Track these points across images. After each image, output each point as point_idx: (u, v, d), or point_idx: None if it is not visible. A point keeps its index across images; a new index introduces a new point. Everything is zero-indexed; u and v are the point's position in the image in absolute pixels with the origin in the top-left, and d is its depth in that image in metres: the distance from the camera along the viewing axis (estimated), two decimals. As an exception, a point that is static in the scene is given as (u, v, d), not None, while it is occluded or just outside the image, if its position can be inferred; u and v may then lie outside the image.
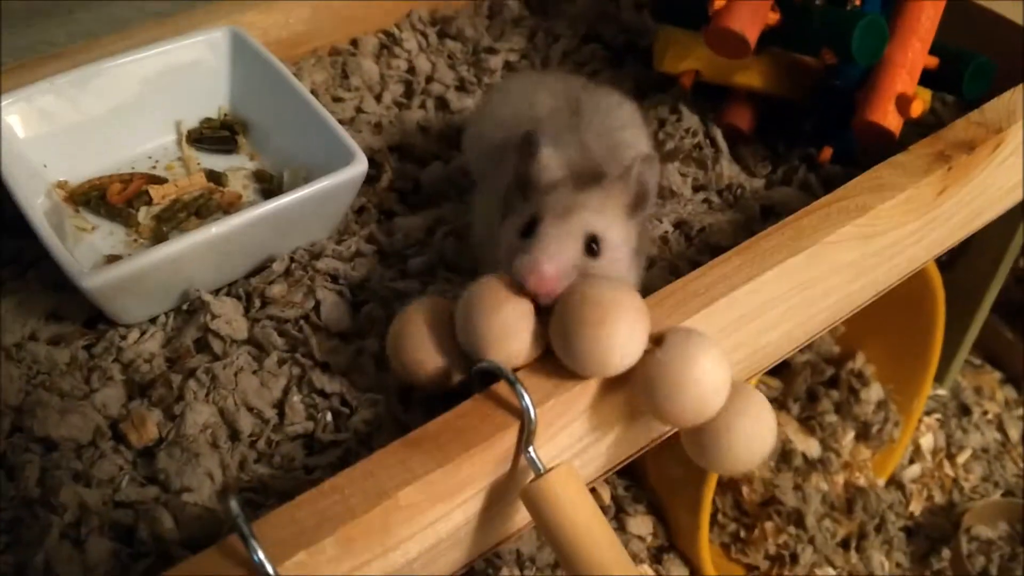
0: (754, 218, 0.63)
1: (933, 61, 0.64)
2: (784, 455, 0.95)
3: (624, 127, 0.60)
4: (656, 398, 0.43)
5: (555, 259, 0.45)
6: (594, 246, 0.47)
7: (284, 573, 0.37)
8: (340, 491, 0.40)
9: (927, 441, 1.04)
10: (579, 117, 0.58)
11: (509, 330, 0.44)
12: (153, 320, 0.54)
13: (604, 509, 0.86)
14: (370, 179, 0.63)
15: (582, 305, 0.43)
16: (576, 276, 0.46)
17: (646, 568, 0.86)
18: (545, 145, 0.50)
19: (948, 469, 1.02)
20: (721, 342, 0.51)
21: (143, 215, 0.59)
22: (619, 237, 0.49)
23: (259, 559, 0.36)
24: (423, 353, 0.46)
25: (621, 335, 0.42)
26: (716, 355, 0.44)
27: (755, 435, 0.45)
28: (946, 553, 0.95)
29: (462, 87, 0.74)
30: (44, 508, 0.45)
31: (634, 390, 0.45)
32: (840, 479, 0.97)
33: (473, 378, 0.45)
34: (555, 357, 0.45)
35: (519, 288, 0.45)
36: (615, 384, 0.46)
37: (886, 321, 0.94)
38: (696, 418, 0.44)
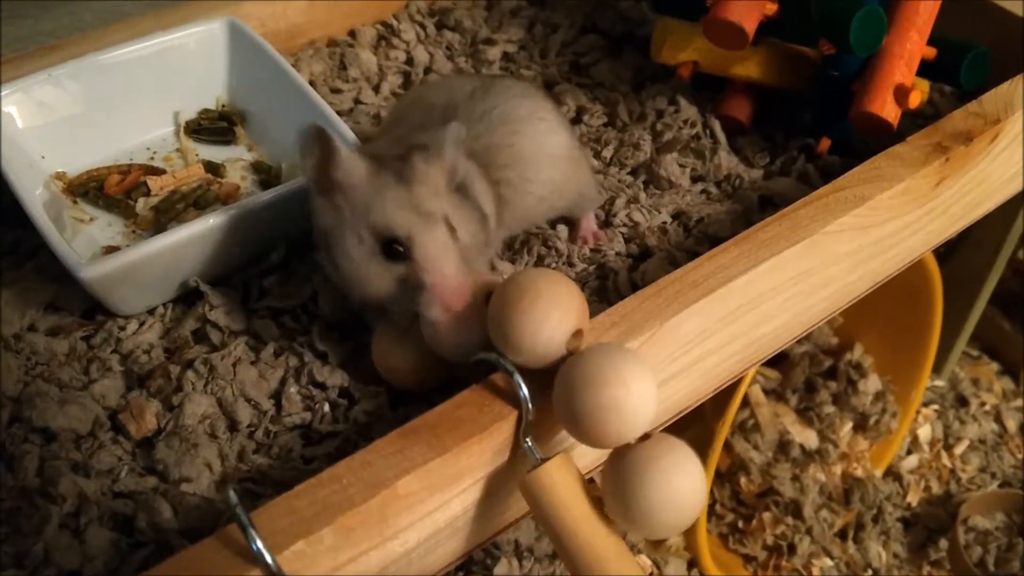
0: (752, 209, 0.63)
1: (931, 52, 0.64)
2: (782, 446, 0.95)
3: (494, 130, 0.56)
4: (573, 405, 0.41)
5: (456, 272, 0.45)
6: (452, 225, 0.47)
7: (283, 562, 0.37)
8: (338, 481, 0.40)
9: (925, 432, 1.04)
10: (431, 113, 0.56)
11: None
12: (151, 311, 0.54)
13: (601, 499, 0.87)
14: (368, 170, 0.63)
15: (503, 296, 0.43)
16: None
17: (644, 559, 0.86)
18: (343, 148, 0.46)
19: (946, 460, 1.03)
20: (719, 332, 0.51)
21: (141, 206, 0.59)
22: (457, 205, 0.48)
23: (258, 548, 0.36)
24: (397, 363, 0.48)
25: (535, 318, 0.42)
26: (641, 370, 0.41)
27: (676, 486, 0.40)
28: (943, 544, 0.95)
29: (460, 78, 0.74)
30: (43, 498, 0.45)
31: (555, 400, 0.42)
32: (838, 470, 0.97)
33: (472, 368, 0.45)
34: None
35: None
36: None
37: (884, 312, 0.94)
38: (606, 437, 0.41)
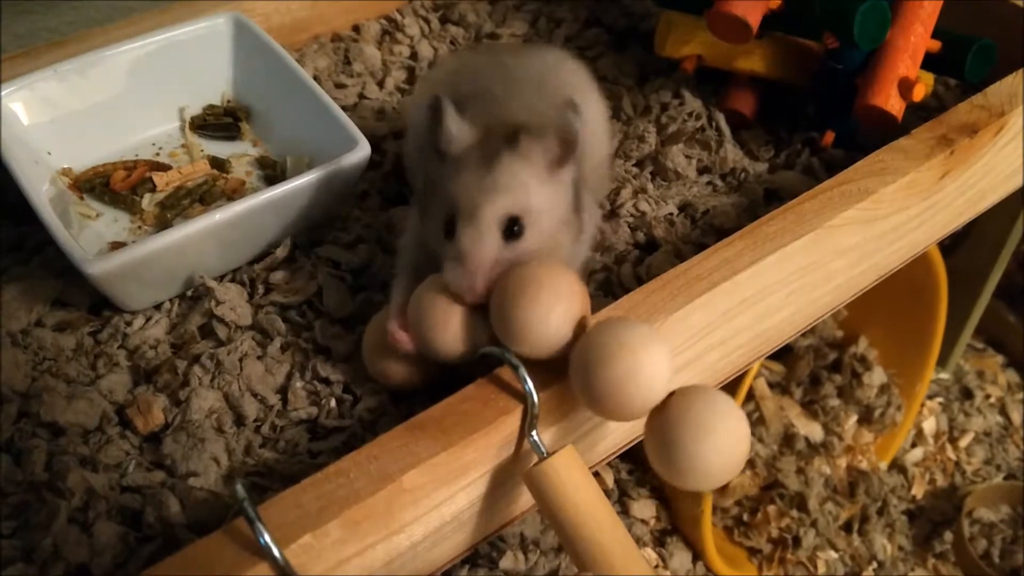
0: (758, 202, 0.63)
1: (935, 44, 0.64)
2: (787, 439, 0.95)
3: (567, 85, 0.56)
4: (585, 379, 0.41)
5: (479, 267, 0.44)
6: (515, 228, 0.45)
7: (290, 556, 0.37)
8: (345, 475, 0.40)
9: (929, 425, 1.04)
10: (507, 84, 0.54)
11: (454, 333, 0.45)
12: (158, 306, 0.55)
13: (607, 493, 0.87)
14: (373, 165, 0.64)
15: (504, 289, 0.43)
16: (504, 264, 0.45)
17: (649, 551, 0.86)
18: (451, 109, 0.46)
19: (950, 453, 1.03)
20: (724, 326, 0.51)
21: (147, 202, 0.59)
22: (543, 202, 0.46)
23: (265, 542, 0.36)
24: (385, 364, 0.48)
25: (540, 310, 0.42)
26: (645, 335, 0.41)
27: (713, 428, 0.40)
28: (948, 536, 0.95)
29: (464, 73, 0.74)
30: (52, 492, 0.45)
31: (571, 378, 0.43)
32: (842, 463, 0.97)
33: (477, 362, 0.45)
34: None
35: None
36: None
37: (889, 305, 0.94)
38: (626, 408, 0.41)
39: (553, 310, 0.42)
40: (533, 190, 0.45)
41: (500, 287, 0.44)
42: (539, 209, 0.46)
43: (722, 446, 0.40)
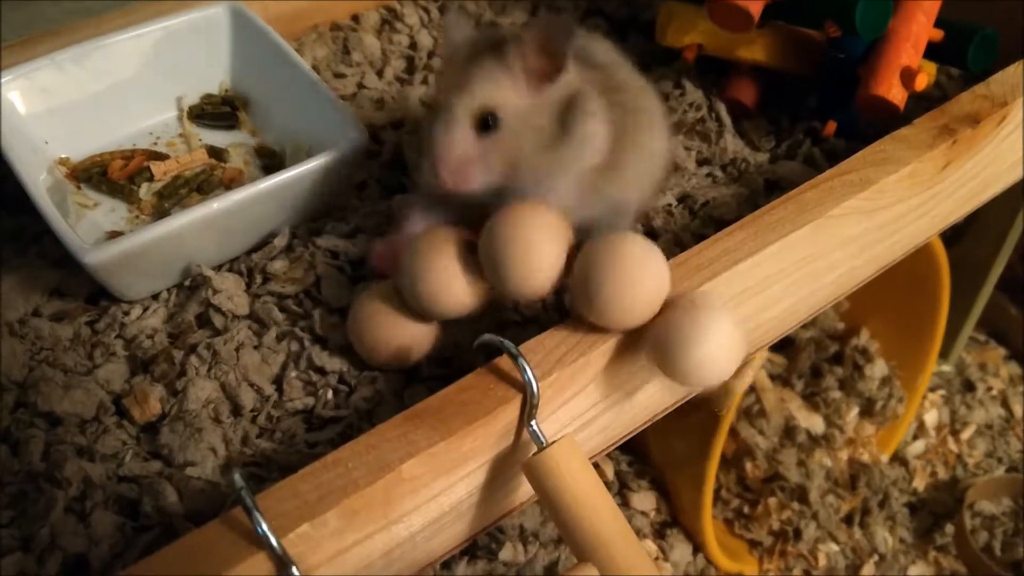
0: (758, 192, 0.62)
1: (938, 34, 0.64)
2: (788, 431, 0.95)
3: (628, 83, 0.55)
4: (587, 294, 0.43)
5: (449, 152, 0.45)
6: (489, 121, 0.45)
7: (288, 545, 0.37)
8: (343, 464, 0.40)
9: (931, 417, 1.04)
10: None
11: (447, 283, 0.46)
12: (155, 296, 0.54)
13: (607, 485, 0.87)
14: (371, 154, 0.63)
15: (491, 231, 0.44)
16: (485, 163, 0.46)
17: (649, 543, 0.86)
18: (454, 14, 0.49)
19: (952, 445, 1.02)
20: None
21: (145, 191, 0.59)
22: (523, 108, 0.46)
23: (263, 531, 0.36)
24: (374, 338, 0.48)
25: (536, 253, 0.44)
26: (639, 240, 0.44)
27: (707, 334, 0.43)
28: (949, 529, 0.95)
29: (464, 62, 0.74)
30: (49, 482, 0.45)
31: (574, 298, 0.45)
32: (844, 455, 0.97)
33: (476, 352, 0.45)
34: (557, 332, 0.45)
35: (451, 233, 0.46)
36: (619, 359, 0.46)
37: (891, 297, 0.94)
38: (628, 315, 0.43)
39: (541, 246, 0.43)
40: (511, 91, 0.46)
41: (487, 234, 0.45)
42: (517, 110, 0.46)
43: (722, 340, 0.43)
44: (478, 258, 0.46)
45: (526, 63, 0.46)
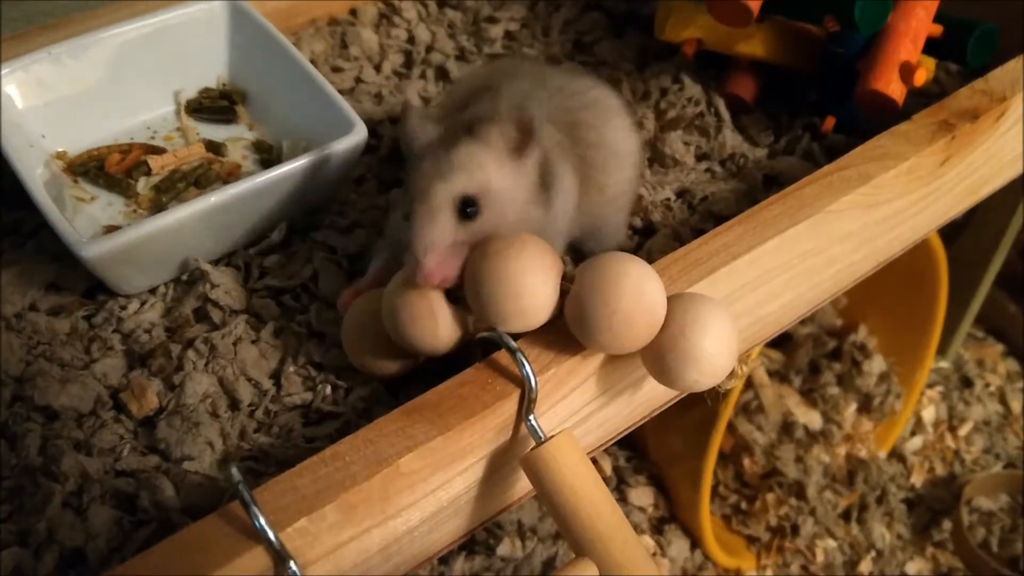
0: (757, 187, 0.62)
1: (937, 29, 0.64)
2: (786, 427, 0.95)
3: (586, 108, 0.55)
4: (585, 329, 0.43)
5: (429, 246, 0.43)
6: (469, 209, 0.44)
7: (285, 539, 0.37)
8: (341, 458, 0.40)
9: (929, 413, 1.04)
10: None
11: (427, 324, 0.44)
12: (153, 290, 0.54)
13: (605, 480, 0.86)
14: (370, 149, 0.63)
15: (474, 265, 0.44)
16: (463, 247, 0.44)
17: (647, 539, 0.86)
18: (414, 112, 0.47)
19: (950, 441, 1.03)
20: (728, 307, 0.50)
21: (142, 185, 0.59)
22: (503, 184, 0.45)
23: (260, 525, 0.36)
24: (366, 356, 0.48)
25: (526, 281, 0.42)
26: (634, 269, 0.43)
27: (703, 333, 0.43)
28: (947, 525, 0.95)
29: (462, 57, 0.74)
30: (46, 477, 0.45)
31: (572, 327, 0.44)
32: (842, 451, 0.97)
33: (475, 346, 0.45)
34: (556, 326, 0.45)
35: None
36: (617, 355, 0.46)
37: (889, 293, 0.94)
38: (626, 340, 0.43)
39: (528, 275, 0.42)
40: (491, 172, 0.45)
41: (470, 266, 0.44)
42: (498, 190, 0.45)
43: (722, 337, 0.43)
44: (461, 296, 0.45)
45: (502, 139, 0.46)
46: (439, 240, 0.44)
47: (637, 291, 0.42)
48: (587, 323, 0.42)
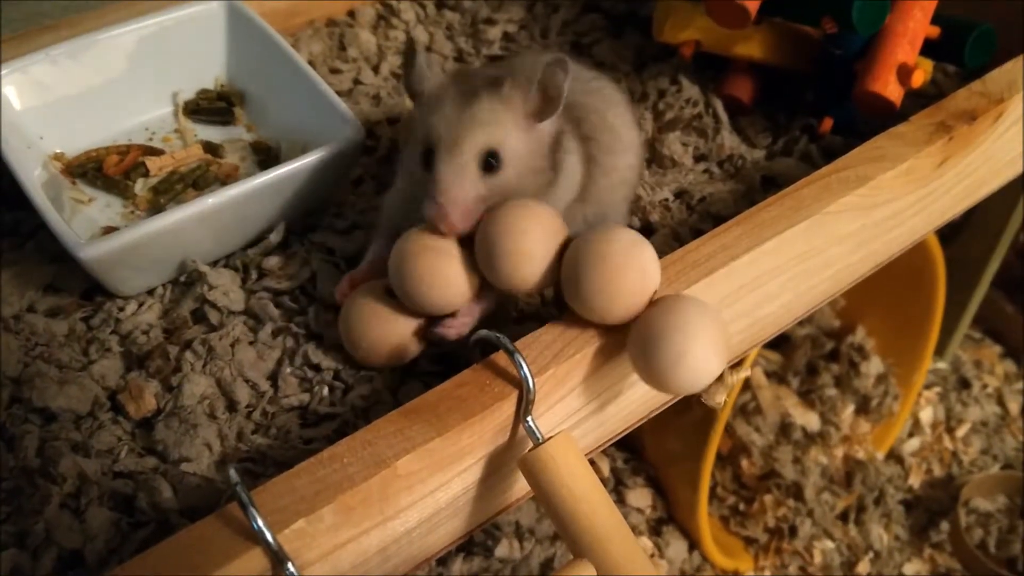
0: (755, 188, 0.62)
1: (934, 30, 0.64)
2: (783, 429, 0.95)
3: (592, 94, 0.56)
4: (574, 283, 0.44)
5: (457, 199, 0.45)
6: (492, 161, 0.46)
7: (283, 541, 0.37)
8: (339, 460, 0.40)
9: (927, 414, 1.04)
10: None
11: (439, 278, 0.46)
12: (151, 292, 0.54)
13: (603, 481, 0.87)
14: (367, 150, 0.63)
15: (488, 226, 0.45)
16: (484, 201, 0.46)
17: (645, 540, 0.86)
18: (422, 53, 0.49)
19: (947, 442, 1.03)
20: (721, 312, 0.50)
21: (140, 187, 0.59)
22: (521, 146, 0.47)
23: (258, 526, 0.36)
24: (369, 341, 0.48)
25: (527, 243, 0.44)
26: (627, 234, 0.44)
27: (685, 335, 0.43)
28: (945, 526, 0.95)
29: (460, 58, 0.74)
30: (44, 478, 0.45)
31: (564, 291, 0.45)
32: (839, 452, 0.97)
33: (472, 348, 0.45)
34: (554, 327, 0.45)
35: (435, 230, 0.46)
36: (615, 355, 0.46)
37: (887, 295, 0.94)
38: (618, 299, 0.43)
39: (536, 238, 0.44)
40: (511, 130, 0.47)
41: (483, 227, 0.45)
42: (516, 149, 0.47)
43: (707, 341, 0.43)
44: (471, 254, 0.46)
45: (525, 101, 0.47)
46: (466, 190, 0.45)
47: (628, 250, 0.43)
48: (581, 284, 0.43)
